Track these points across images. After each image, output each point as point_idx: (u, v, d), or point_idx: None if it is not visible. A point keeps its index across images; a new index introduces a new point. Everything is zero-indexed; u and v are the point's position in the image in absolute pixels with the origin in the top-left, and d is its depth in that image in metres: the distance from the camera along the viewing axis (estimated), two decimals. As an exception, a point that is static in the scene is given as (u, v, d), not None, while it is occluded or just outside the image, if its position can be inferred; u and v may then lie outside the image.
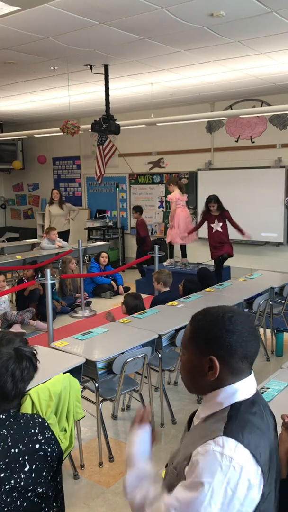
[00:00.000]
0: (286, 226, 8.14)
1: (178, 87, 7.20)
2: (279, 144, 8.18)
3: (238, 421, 1.14)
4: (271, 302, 5.17)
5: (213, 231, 7.10)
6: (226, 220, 7.03)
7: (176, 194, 7.68)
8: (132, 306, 4.39)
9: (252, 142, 8.50)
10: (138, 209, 8.89)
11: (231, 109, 8.51)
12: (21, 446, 1.46)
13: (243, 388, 1.22)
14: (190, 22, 4.29)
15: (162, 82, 6.83)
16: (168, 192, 8.59)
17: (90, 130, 6.65)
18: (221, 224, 7.04)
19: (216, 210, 7.00)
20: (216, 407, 1.21)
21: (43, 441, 1.52)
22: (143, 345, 3.51)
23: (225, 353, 1.20)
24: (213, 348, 1.21)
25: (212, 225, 7.09)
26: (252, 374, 1.27)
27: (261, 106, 8.15)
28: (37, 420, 1.57)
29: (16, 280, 7.24)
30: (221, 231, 7.07)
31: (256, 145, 8.44)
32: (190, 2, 3.80)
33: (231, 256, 7.13)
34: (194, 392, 1.32)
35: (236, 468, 1.06)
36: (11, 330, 6.04)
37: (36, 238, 10.64)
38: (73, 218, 9.42)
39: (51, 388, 2.69)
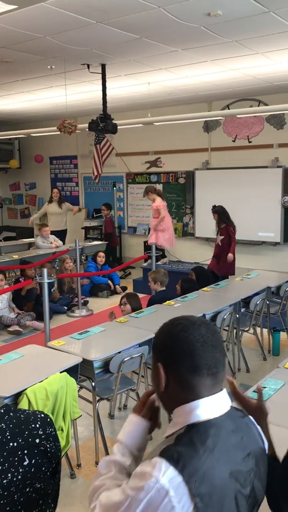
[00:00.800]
0: (283, 226, 8.15)
1: (175, 86, 7.20)
2: (276, 144, 8.19)
3: (182, 443, 1.07)
4: (268, 302, 5.18)
5: (216, 242, 6.89)
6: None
7: (159, 201, 7.95)
8: (135, 307, 4.42)
9: (249, 142, 8.50)
10: (108, 206, 9.25)
11: (228, 108, 8.52)
12: (20, 440, 1.45)
13: (204, 408, 1.11)
14: (187, 21, 4.29)
15: (159, 81, 6.83)
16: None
17: (87, 129, 6.65)
18: (221, 238, 6.70)
19: (218, 222, 6.70)
20: (175, 427, 1.14)
21: (43, 436, 1.51)
22: (140, 345, 3.51)
23: (170, 362, 1.14)
24: (160, 356, 1.16)
25: (216, 236, 6.89)
26: (222, 392, 1.16)
27: (258, 106, 8.16)
28: (38, 416, 1.56)
29: (13, 280, 7.23)
30: (220, 245, 6.72)
31: (253, 144, 8.45)
32: (187, 1, 3.80)
33: (217, 275, 6.62)
34: (165, 409, 1.22)
35: (161, 491, 1.00)
36: (9, 329, 6.05)
37: (33, 237, 10.62)
38: (81, 208, 9.78)
39: (48, 388, 2.68)
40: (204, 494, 1.02)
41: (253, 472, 1.15)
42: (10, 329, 6.04)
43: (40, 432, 1.51)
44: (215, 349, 1.14)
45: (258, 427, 1.24)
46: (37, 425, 1.53)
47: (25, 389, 2.65)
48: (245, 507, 1.12)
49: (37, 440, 1.50)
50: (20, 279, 6.67)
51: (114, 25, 4.39)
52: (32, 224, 10.73)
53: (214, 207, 6.77)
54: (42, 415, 1.58)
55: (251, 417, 1.24)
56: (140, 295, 4.90)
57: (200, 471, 1.02)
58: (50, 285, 7.04)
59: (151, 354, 1.24)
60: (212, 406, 1.12)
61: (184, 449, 1.05)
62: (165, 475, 1.01)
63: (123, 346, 3.40)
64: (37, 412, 1.59)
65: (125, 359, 3.28)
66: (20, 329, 6.03)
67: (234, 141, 8.68)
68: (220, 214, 6.68)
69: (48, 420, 1.57)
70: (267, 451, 1.24)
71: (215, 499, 1.03)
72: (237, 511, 1.09)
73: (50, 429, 1.55)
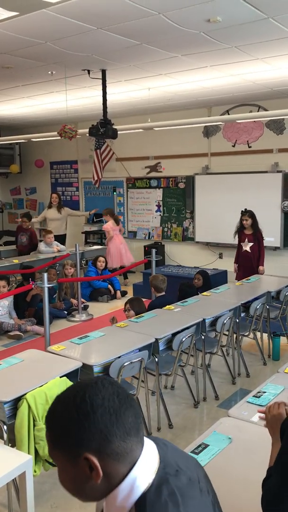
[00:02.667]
0: (283, 230, 8.16)
1: (175, 92, 7.23)
2: (276, 149, 8.21)
3: None
4: (268, 306, 5.18)
5: (242, 250, 6.59)
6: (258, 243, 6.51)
7: (110, 224, 8.54)
8: (139, 311, 4.43)
9: (249, 147, 8.53)
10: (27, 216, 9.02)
11: (228, 114, 8.55)
12: None
13: (142, 472, 0.93)
14: (187, 27, 4.32)
15: (159, 87, 6.86)
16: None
17: (87, 135, 6.67)
18: (251, 244, 6.48)
19: (249, 227, 6.49)
20: None
21: None
22: (140, 349, 3.51)
23: (100, 444, 0.92)
24: (81, 445, 0.92)
25: (242, 243, 6.59)
26: (147, 444, 0.99)
27: (258, 111, 8.18)
28: None
29: (14, 284, 7.23)
30: (250, 252, 6.49)
31: (253, 150, 8.48)
32: (187, 8, 3.83)
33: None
34: (90, 501, 0.98)
35: None
36: (9, 333, 6.04)
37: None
38: (91, 213, 9.90)
39: (48, 392, 2.68)
40: None
41: (209, 488, 1.07)
42: (11, 333, 6.05)
43: None
44: (128, 408, 0.97)
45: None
46: None
47: (25, 393, 2.65)
48: None
49: None
50: (24, 283, 6.66)
51: (114, 31, 4.41)
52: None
53: (246, 210, 6.56)
54: None
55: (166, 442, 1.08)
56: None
57: None
58: (53, 290, 7.05)
59: (51, 451, 0.97)
60: (145, 463, 0.96)
61: None
62: None
63: (123, 351, 3.40)
64: None
65: (125, 364, 3.28)
66: (20, 334, 6.03)
67: (234, 146, 8.71)
68: (255, 218, 6.51)
69: None
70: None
71: None
72: None
73: None
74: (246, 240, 6.52)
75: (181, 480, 0.96)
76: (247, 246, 6.50)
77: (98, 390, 0.95)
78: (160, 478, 0.94)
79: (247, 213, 6.51)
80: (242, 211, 6.61)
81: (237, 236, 6.68)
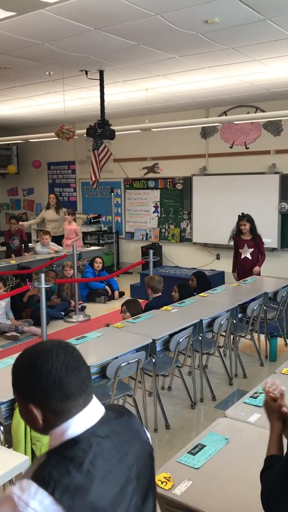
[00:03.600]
0: (280, 231, 8.18)
1: (173, 93, 7.24)
2: (273, 150, 8.23)
3: (53, 461, 1.08)
4: (265, 307, 5.18)
5: (242, 257, 6.16)
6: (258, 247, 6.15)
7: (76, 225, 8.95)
8: (135, 313, 4.43)
9: (247, 148, 8.54)
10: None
11: (226, 115, 8.56)
12: None
13: (75, 425, 1.14)
14: (185, 28, 4.32)
15: (157, 88, 6.86)
16: (166, 199, 8.59)
17: (85, 135, 6.67)
18: (251, 250, 6.10)
19: (248, 233, 6.10)
20: (50, 448, 1.16)
21: None
22: (137, 350, 3.51)
23: (41, 399, 1.13)
24: (28, 396, 1.14)
25: (240, 250, 6.17)
26: (92, 402, 1.18)
27: (255, 112, 8.20)
28: None
29: (10, 285, 7.22)
30: (250, 258, 6.12)
31: (251, 151, 8.49)
32: (185, 9, 3.83)
33: None
34: (40, 433, 1.22)
35: None
36: (6, 334, 6.03)
37: (30, 242, 10.62)
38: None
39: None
40: (79, 508, 1.05)
41: (134, 467, 1.19)
42: (7, 334, 6.03)
43: None
44: (78, 368, 1.16)
45: (137, 420, 1.29)
46: None
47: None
48: (132, 505, 1.16)
49: None
50: (21, 284, 6.65)
51: (112, 32, 4.41)
52: (29, 228, 10.74)
53: (244, 215, 6.15)
54: None
55: (129, 411, 1.28)
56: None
57: (71, 487, 1.05)
58: (51, 292, 7.05)
59: (14, 393, 1.19)
60: (84, 420, 1.15)
61: (54, 468, 1.06)
62: (35, 499, 1.03)
63: (120, 351, 3.39)
64: None
65: (122, 365, 3.28)
66: (18, 335, 6.02)
67: (231, 147, 8.72)
68: (253, 222, 6.10)
69: None
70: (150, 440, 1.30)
71: (92, 508, 1.07)
72: (123, 509, 1.13)
73: None
74: (246, 246, 6.11)
75: (103, 443, 1.14)
76: (247, 253, 6.10)
77: (51, 358, 1.13)
78: (87, 434, 1.13)
79: (245, 218, 6.08)
80: (239, 215, 6.21)
81: (233, 241, 6.29)
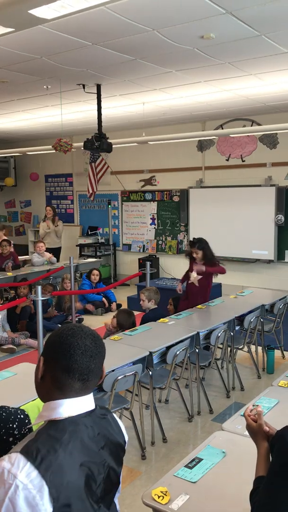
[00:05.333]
0: (277, 243, 8.20)
1: (169, 106, 7.30)
2: (269, 163, 8.29)
3: (41, 439, 1.20)
4: (262, 320, 5.18)
5: (189, 281, 5.45)
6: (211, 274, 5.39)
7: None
8: (124, 324, 4.44)
9: (243, 161, 8.60)
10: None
11: (222, 128, 8.64)
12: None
13: (67, 406, 1.26)
14: (181, 44, 4.38)
15: (154, 101, 6.93)
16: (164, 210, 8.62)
17: (82, 148, 6.71)
18: (199, 277, 5.34)
19: (202, 259, 5.35)
20: (39, 419, 1.29)
21: (17, 436, 1.61)
22: (134, 363, 3.50)
23: (50, 358, 1.29)
24: (45, 350, 1.32)
25: (190, 273, 5.44)
26: (88, 396, 1.32)
27: (251, 126, 8.27)
28: (18, 417, 1.66)
29: (5, 298, 7.20)
30: (197, 285, 5.34)
31: (247, 163, 8.55)
32: (181, 25, 3.89)
33: None
34: (40, 399, 1.37)
35: (19, 486, 1.12)
36: (2, 347, 6.01)
37: (28, 255, 10.63)
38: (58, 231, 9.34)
39: (41, 406, 2.66)
40: (58, 484, 1.16)
41: (108, 462, 1.32)
42: (4, 347, 6.01)
43: (16, 432, 1.61)
44: (92, 359, 1.30)
45: (120, 423, 1.42)
46: (14, 425, 1.58)
47: (19, 407, 2.62)
48: (99, 491, 1.28)
49: (11, 439, 1.62)
50: (19, 296, 6.64)
51: (109, 47, 4.47)
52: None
53: (195, 241, 5.41)
54: (21, 416, 1.67)
55: (113, 415, 1.42)
56: (135, 313, 4.89)
57: (55, 464, 1.17)
58: (48, 304, 7.03)
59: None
60: (75, 405, 1.28)
61: (42, 445, 1.18)
62: (23, 471, 1.14)
63: (117, 364, 3.38)
64: (18, 412, 1.67)
65: (119, 378, 3.26)
66: (14, 347, 5.99)
67: (227, 160, 8.78)
68: (207, 248, 5.36)
69: (26, 421, 1.65)
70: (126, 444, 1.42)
71: (67, 487, 1.18)
72: (90, 494, 1.25)
73: (25, 430, 1.65)
74: (195, 271, 5.36)
75: (87, 431, 1.27)
76: (195, 279, 5.36)
77: (80, 336, 1.30)
78: (75, 419, 1.26)
79: (196, 245, 5.33)
80: (190, 241, 5.56)
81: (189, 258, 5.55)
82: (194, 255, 5.37)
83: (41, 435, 1.21)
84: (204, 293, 5.41)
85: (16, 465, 1.15)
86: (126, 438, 1.44)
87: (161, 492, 1.85)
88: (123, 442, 1.42)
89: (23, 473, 1.14)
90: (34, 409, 2.64)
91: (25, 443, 1.19)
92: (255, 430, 1.60)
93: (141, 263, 9.23)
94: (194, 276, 5.35)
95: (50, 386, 1.29)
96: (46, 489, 1.14)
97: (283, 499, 1.32)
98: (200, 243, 5.35)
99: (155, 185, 9.78)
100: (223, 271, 5.40)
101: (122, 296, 8.48)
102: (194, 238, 5.52)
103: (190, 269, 5.46)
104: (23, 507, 1.12)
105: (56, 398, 1.27)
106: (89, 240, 10.44)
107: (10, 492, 1.13)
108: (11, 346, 5.99)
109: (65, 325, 1.35)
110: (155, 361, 3.75)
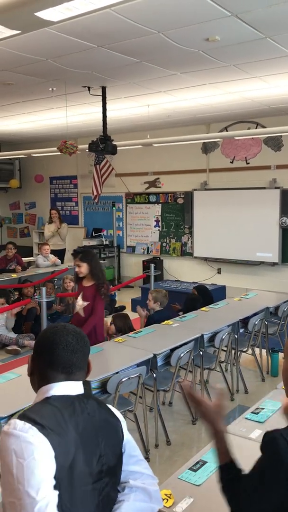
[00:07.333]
0: (281, 246, 8.18)
1: (174, 109, 7.31)
2: (273, 165, 8.28)
3: (36, 406, 1.37)
4: (266, 322, 5.17)
5: (74, 311, 4.33)
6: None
7: None
8: (122, 327, 4.45)
9: (247, 163, 8.59)
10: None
11: (227, 130, 8.63)
12: None
13: (58, 387, 1.40)
14: (186, 46, 4.39)
15: (158, 104, 6.93)
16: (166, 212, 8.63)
17: (87, 150, 6.72)
18: (85, 304, 4.13)
19: (89, 277, 4.15)
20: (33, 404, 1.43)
21: None
22: (138, 365, 3.50)
23: (37, 354, 1.46)
24: (34, 348, 1.49)
25: (75, 300, 4.38)
26: (76, 383, 1.44)
27: (256, 128, 8.27)
28: None
29: (12, 299, 7.21)
30: (83, 316, 4.11)
31: (251, 166, 8.54)
32: (186, 27, 3.89)
33: None
34: (34, 391, 1.49)
35: (23, 442, 1.23)
36: (7, 348, 6.02)
37: (32, 256, 10.65)
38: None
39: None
40: (56, 443, 1.26)
41: (102, 444, 1.39)
42: (8, 348, 6.02)
43: None
44: (74, 354, 1.43)
45: (110, 407, 1.51)
46: None
47: (22, 409, 2.63)
48: (95, 462, 1.36)
49: None
50: (21, 299, 6.66)
51: (114, 49, 4.48)
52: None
53: (77, 251, 4.22)
54: None
55: (95, 400, 1.48)
56: (131, 318, 4.89)
57: (47, 427, 1.27)
58: (50, 304, 7.03)
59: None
60: (63, 387, 1.41)
61: (37, 410, 1.33)
62: (25, 430, 1.25)
63: (121, 366, 3.38)
64: None
65: (123, 380, 3.26)
66: (18, 349, 6.00)
67: (232, 162, 8.78)
68: (94, 262, 4.18)
69: None
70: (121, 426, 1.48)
71: (64, 446, 1.28)
72: (85, 462, 1.32)
73: None
74: (80, 296, 4.17)
75: (76, 407, 1.38)
76: (80, 307, 4.15)
77: (63, 334, 1.45)
78: (63, 396, 1.39)
79: (79, 255, 4.13)
80: (72, 252, 4.33)
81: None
82: (77, 269, 4.15)
83: (35, 406, 1.38)
84: (93, 330, 4.12)
85: (19, 426, 1.26)
86: (122, 419, 1.52)
87: (165, 495, 1.85)
88: (117, 421, 1.49)
89: (27, 432, 1.24)
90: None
91: (21, 413, 1.33)
92: (213, 411, 1.55)
93: (145, 265, 9.22)
94: (79, 303, 4.15)
95: (37, 378, 1.45)
96: (47, 444, 1.24)
97: (273, 502, 1.30)
98: (85, 254, 4.19)
99: (160, 187, 9.78)
100: (92, 322, 4.08)
101: (126, 298, 8.48)
102: (78, 247, 4.32)
103: (77, 295, 4.30)
104: (31, 461, 1.21)
105: (45, 384, 1.43)
106: (93, 242, 10.45)
107: (16, 448, 1.22)
108: (15, 347, 6.00)
109: (51, 324, 1.50)
110: (159, 363, 3.75)
